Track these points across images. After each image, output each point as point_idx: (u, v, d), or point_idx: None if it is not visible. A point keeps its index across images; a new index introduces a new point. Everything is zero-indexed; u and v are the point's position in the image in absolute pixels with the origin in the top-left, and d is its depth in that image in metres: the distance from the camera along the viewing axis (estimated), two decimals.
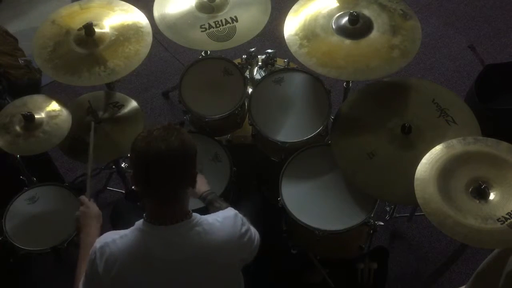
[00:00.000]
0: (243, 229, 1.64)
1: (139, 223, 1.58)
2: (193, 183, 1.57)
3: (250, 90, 2.50)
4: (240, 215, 1.68)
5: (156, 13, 2.50)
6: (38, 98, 2.35)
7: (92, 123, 2.23)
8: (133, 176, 1.55)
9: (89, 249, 1.65)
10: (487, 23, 3.62)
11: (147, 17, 2.49)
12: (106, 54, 2.35)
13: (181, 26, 2.46)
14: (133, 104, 2.45)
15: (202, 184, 2.01)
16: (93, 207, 1.86)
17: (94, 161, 2.18)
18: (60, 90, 3.10)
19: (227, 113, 2.40)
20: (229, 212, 1.68)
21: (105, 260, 1.54)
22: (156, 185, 1.51)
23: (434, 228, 1.91)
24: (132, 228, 1.59)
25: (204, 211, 1.81)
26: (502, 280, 1.93)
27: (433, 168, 2.00)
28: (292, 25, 2.38)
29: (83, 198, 1.90)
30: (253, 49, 2.69)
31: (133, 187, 2.18)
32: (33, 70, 2.96)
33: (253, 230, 1.71)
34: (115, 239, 1.57)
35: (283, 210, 2.23)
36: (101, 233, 1.65)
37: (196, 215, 1.60)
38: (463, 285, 2.33)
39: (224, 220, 1.63)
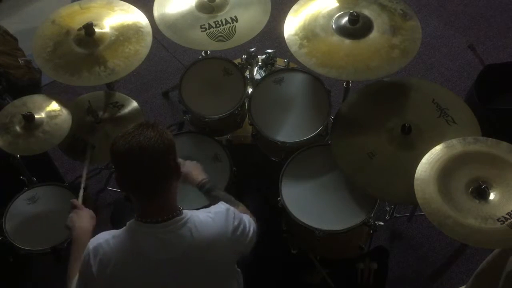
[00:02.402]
0: (236, 223, 1.64)
1: (130, 222, 1.58)
2: (177, 174, 1.57)
3: (250, 90, 2.50)
4: (232, 209, 1.68)
5: (156, 13, 2.49)
6: (38, 98, 2.35)
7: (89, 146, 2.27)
8: (118, 178, 1.55)
9: (81, 248, 1.66)
10: (487, 23, 3.62)
11: (147, 17, 2.49)
12: (106, 54, 2.35)
13: (181, 26, 2.46)
14: (133, 104, 2.45)
15: (198, 173, 2.00)
16: (84, 209, 1.90)
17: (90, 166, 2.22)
18: (60, 90, 3.11)
19: (227, 113, 2.40)
20: (221, 207, 1.68)
21: (98, 260, 1.54)
22: (141, 180, 1.51)
23: (434, 228, 1.91)
24: (124, 228, 1.59)
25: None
26: (502, 280, 1.93)
27: (433, 168, 2.00)
28: (292, 25, 2.38)
29: (75, 201, 1.93)
30: (253, 49, 2.69)
31: None
32: (33, 70, 2.96)
33: (247, 221, 1.70)
34: (108, 239, 1.57)
35: (283, 210, 2.23)
36: (99, 233, 1.65)
37: (187, 212, 1.59)
38: (463, 285, 2.33)
39: (216, 215, 1.63)
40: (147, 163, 1.48)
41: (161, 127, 1.53)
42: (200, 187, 1.96)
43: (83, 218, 1.87)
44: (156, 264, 1.54)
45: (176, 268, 1.56)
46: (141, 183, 1.51)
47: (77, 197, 2.07)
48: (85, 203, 2.01)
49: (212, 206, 1.70)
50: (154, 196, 1.54)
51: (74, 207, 1.91)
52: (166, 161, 1.52)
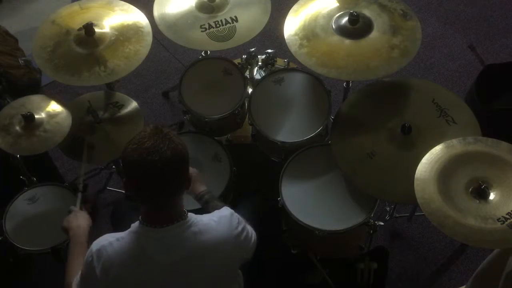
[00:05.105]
0: (239, 228, 1.64)
1: (135, 225, 1.58)
2: (188, 185, 1.57)
3: (250, 90, 2.50)
4: (236, 214, 1.68)
5: (156, 13, 2.50)
6: (36, 98, 2.34)
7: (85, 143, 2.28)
8: (126, 184, 1.54)
9: (79, 246, 1.69)
10: (487, 23, 3.62)
11: (147, 17, 2.49)
12: (106, 54, 2.35)
13: (181, 26, 2.46)
14: (133, 104, 2.45)
15: (199, 184, 2.00)
16: (80, 212, 1.95)
17: (90, 166, 2.23)
18: (60, 90, 3.11)
19: (227, 113, 2.40)
20: (225, 212, 1.67)
21: (102, 263, 1.54)
22: (153, 195, 1.51)
23: (434, 228, 1.91)
24: (128, 230, 1.59)
25: (202, 211, 1.81)
26: (502, 280, 1.93)
27: (433, 168, 1.99)
28: (292, 25, 2.38)
29: (73, 208, 1.99)
30: (253, 49, 2.69)
31: None
32: (33, 70, 2.97)
33: (249, 228, 1.71)
34: (112, 241, 1.57)
35: (283, 210, 2.23)
36: (100, 234, 1.64)
37: (191, 215, 1.59)
38: (463, 285, 2.33)
39: (220, 219, 1.63)
40: (159, 181, 1.48)
41: (176, 138, 1.50)
42: (199, 198, 1.96)
43: (79, 217, 1.90)
44: (159, 267, 1.54)
45: (179, 271, 1.56)
46: (156, 197, 1.51)
47: (76, 200, 2.09)
48: (86, 202, 2.03)
49: (217, 211, 1.70)
50: (166, 207, 1.54)
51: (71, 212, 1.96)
52: (183, 175, 1.53)
